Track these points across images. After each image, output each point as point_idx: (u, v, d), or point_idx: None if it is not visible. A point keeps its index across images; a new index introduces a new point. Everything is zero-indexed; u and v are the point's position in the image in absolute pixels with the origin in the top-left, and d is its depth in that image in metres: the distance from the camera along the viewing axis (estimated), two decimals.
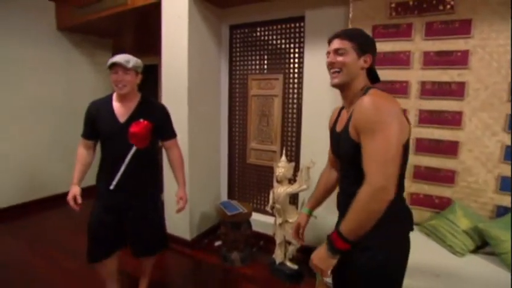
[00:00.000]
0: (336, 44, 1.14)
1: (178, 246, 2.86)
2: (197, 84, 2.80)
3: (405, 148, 1.06)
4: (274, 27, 2.88)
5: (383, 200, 0.94)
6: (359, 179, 1.00)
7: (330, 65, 1.16)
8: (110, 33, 4.24)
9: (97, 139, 1.82)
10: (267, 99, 2.99)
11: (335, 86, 1.16)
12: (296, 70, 2.81)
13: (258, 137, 3.10)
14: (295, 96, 2.85)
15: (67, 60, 4.00)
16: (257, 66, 3.05)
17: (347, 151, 1.12)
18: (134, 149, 1.66)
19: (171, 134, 1.91)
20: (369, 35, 1.19)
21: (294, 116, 2.87)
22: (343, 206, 1.16)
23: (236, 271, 2.55)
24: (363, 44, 1.13)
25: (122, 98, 1.74)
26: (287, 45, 2.85)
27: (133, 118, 1.70)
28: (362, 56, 1.12)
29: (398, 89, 2.18)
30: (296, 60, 2.81)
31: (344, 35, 1.14)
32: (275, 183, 2.43)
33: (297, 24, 2.75)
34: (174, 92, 2.76)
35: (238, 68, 3.15)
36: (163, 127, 1.83)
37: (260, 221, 2.97)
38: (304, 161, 2.54)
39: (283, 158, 2.44)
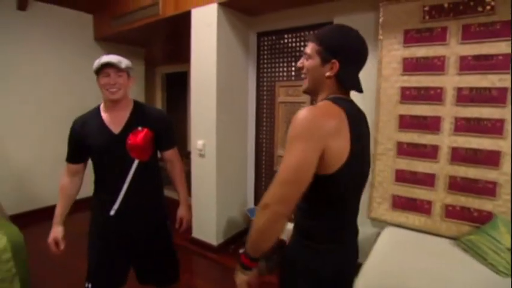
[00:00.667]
0: (307, 47, 1.02)
1: (204, 251, 2.89)
2: (225, 91, 2.83)
3: (344, 172, 0.91)
4: (302, 34, 2.86)
5: (269, 218, 0.91)
6: (311, 212, 1.00)
7: (299, 70, 1.08)
8: (143, 42, 4.40)
9: (84, 161, 1.56)
10: (295, 106, 2.96)
11: (303, 92, 1.08)
12: None
13: (285, 145, 3.07)
14: None
15: None
16: (284, 73, 3.04)
17: None
18: (136, 163, 1.46)
19: (172, 143, 1.65)
20: (347, 36, 0.97)
21: None
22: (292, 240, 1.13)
23: (262, 280, 2.51)
24: (331, 48, 0.95)
25: (113, 106, 1.48)
26: None
27: (129, 127, 1.47)
28: (326, 62, 0.95)
29: (432, 95, 2.08)
30: None
31: (314, 36, 1.00)
32: None
33: None
34: (203, 98, 2.81)
35: (265, 75, 3.16)
36: (162, 135, 1.57)
37: (288, 230, 2.92)
38: None
39: None
